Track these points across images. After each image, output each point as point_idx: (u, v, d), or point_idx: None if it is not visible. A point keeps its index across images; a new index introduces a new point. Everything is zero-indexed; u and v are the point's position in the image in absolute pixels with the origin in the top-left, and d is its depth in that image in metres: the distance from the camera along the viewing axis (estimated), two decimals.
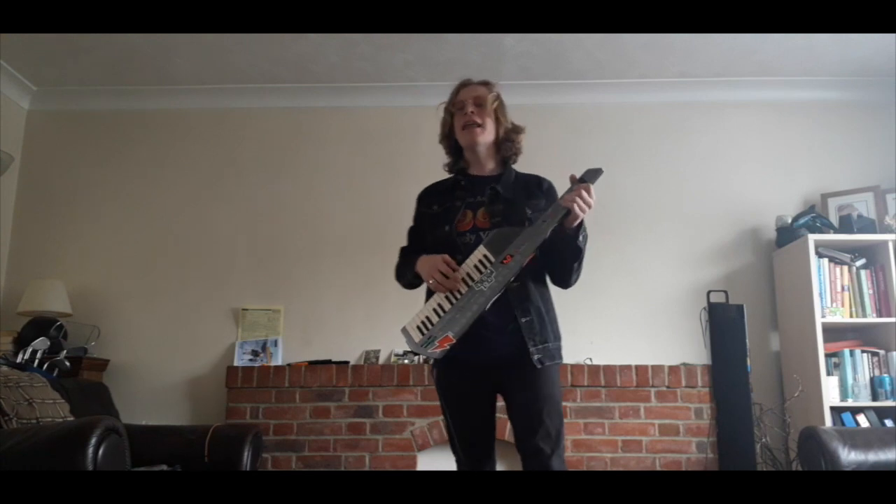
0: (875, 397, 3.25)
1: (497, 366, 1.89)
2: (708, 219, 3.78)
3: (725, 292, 3.53)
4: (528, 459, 1.87)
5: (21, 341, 3.33)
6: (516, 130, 2.05)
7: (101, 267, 3.83)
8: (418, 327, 1.82)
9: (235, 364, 3.57)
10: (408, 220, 2.12)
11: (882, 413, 3.22)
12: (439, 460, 3.36)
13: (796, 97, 3.93)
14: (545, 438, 1.85)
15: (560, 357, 1.94)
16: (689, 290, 3.69)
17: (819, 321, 3.27)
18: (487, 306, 1.76)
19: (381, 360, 3.60)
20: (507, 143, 2.03)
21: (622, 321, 3.66)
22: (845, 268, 3.41)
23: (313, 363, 3.49)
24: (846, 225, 3.46)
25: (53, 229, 3.89)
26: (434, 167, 2.15)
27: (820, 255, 3.40)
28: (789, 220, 3.57)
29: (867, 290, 3.37)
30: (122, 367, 3.66)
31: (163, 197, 3.92)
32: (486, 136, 2.00)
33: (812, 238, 3.36)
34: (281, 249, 3.84)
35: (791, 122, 3.92)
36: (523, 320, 1.87)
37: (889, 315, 3.32)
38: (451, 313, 1.78)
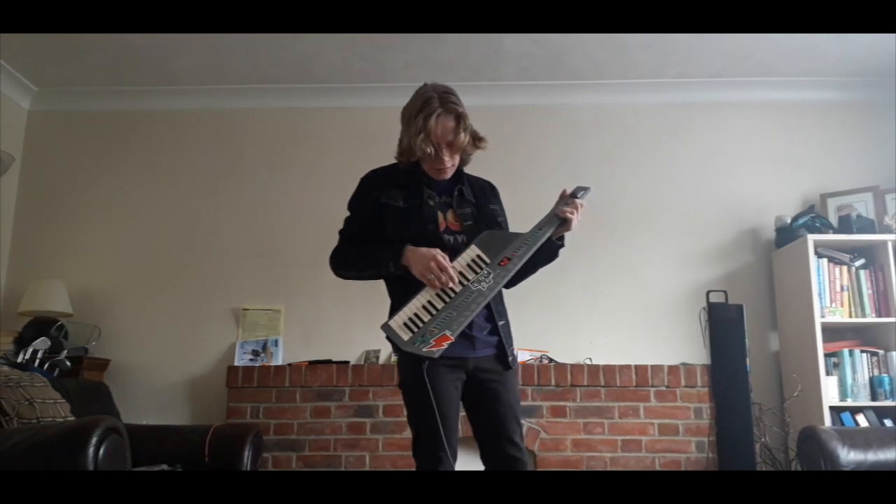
0: (874, 397, 3.26)
1: (480, 367, 1.90)
2: (707, 219, 3.79)
3: (725, 292, 3.53)
4: (503, 455, 1.88)
5: (22, 341, 3.33)
6: (478, 144, 1.91)
7: (101, 267, 3.84)
8: (405, 325, 1.75)
9: (236, 364, 3.58)
10: None
11: (881, 413, 3.23)
12: None
13: (796, 97, 3.93)
14: (520, 435, 1.91)
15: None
16: (688, 290, 3.70)
17: (818, 321, 3.28)
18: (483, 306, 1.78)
19: (382, 360, 3.60)
20: (466, 156, 1.98)
21: (622, 321, 3.66)
22: (844, 268, 3.41)
23: (314, 363, 3.50)
24: (845, 225, 3.47)
25: (54, 229, 3.90)
26: None
27: (819, 256, 3.40)
28: (788, 221, 3.58)
29: (866, 290, 3.38)
30: (122, 366, 3.66)
31: (163, 197, 3.93)
32: (453, 168, 1.95)
33: (811, 238, 3.37)
34: (281, 250, 3.85)
35: (790, 122, 3.92)
36: (501, 323, 1.93)
37: (888, 315, 3.32)
38: (446, 311, 1.75)
